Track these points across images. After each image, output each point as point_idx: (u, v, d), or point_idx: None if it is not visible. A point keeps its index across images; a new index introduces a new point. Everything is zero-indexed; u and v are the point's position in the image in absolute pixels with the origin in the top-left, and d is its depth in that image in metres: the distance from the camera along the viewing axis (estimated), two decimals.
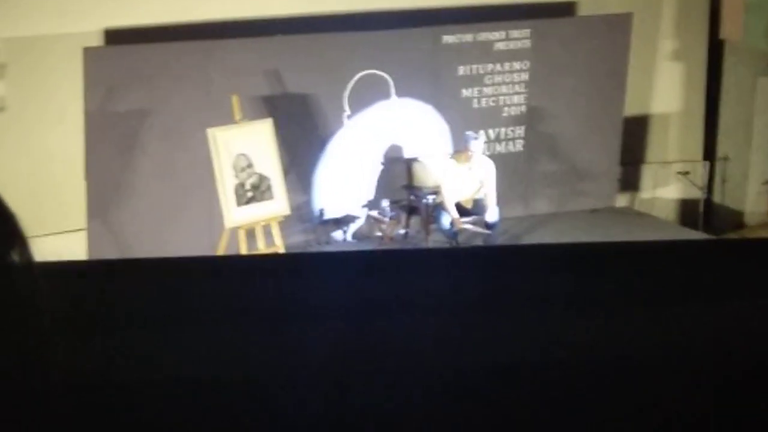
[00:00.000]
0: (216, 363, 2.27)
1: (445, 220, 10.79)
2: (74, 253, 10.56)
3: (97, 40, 10.73)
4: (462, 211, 10.91)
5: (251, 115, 10.54)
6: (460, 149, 11.02)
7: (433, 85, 11.83)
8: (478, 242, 11.05)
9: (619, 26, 12.38)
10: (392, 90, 11.63)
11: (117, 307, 2.41)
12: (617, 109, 12.61)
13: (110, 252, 10.57)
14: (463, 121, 11.85)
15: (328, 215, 11.63)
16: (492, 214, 10.81)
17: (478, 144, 10.87)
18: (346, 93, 11.47)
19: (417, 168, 11.67)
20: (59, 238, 10.76)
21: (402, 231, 11.49)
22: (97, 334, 2.25)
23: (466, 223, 10.87)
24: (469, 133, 11.00)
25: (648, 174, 13.39)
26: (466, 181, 10.85)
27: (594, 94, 12.44)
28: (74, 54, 10.22)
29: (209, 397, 2.18)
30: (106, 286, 2.49)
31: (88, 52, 10.26)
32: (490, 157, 11.19)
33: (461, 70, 11.91)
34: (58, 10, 10.65)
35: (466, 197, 10.92)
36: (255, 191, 10.27)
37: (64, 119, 10.68)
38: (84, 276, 2.62)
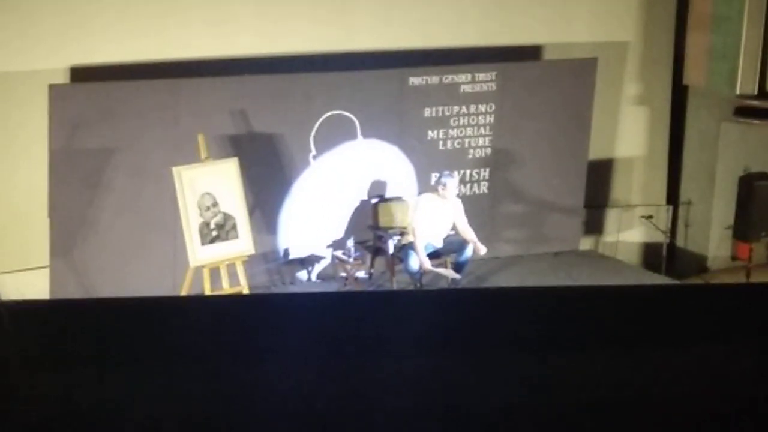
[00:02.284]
0: (179, 403, 2.26)
1: (413, 262, 10.75)
2: (37, 291, 10.49)
3: (63, 77, 10.71)
4: (432, 251, 10.91)
5: (217, 154, 10.53)
6: (434, 187, 11.04)
7: (399, 127, 11.85)
8: (443, 284, 11.05)
9: (584, 71, 12.46)
10: (358, 131, 11.66)
11: (79, 346, 2.39)
12: (581, 153, 12.67)
13: (73, 290, 10.50)
14: (428, 163, 11.88)
15: (292, 255, 11.61)
16: (479, 250, 10.74)
17: (453, 182, 10.91)
18: (312, 133, 11.48)
19: (382, 209, 11.68)
20: (22, 275, 10.69)
21: (367, 272, 11.47)
22: (58, 371, 2.23)
23: (435, 266, 10.85)
24: (446, 172, 11.08)
25: (612, 217, 13.45)
26: (438, 218, 10.86)
27: (559, 138, 12.50)
28: (40, 91, 10.19)
29: None
30: (69, 325, 2.47)
31: (54, 89, 10.22)
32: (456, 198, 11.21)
33: (427, 112, 11.94)
34: (25, 47, 10.62)
35: (437, 236, 10.92)
36: (220, 230, 10.25)
37: (29, 156, 10.63)
38: (47, 315, 2.61)
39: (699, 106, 13.30)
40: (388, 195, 11.80)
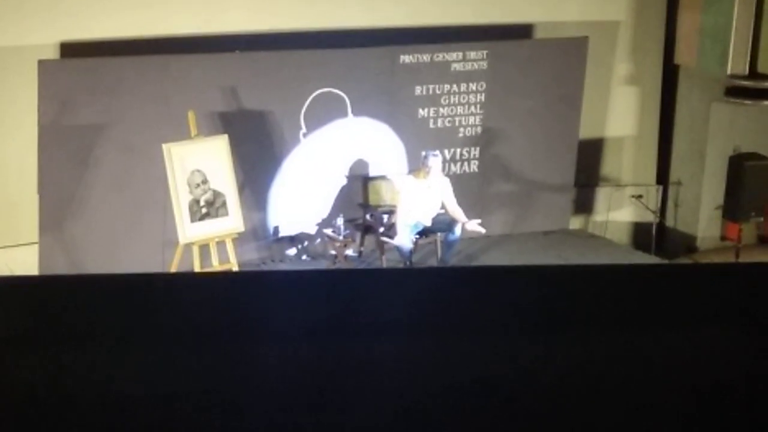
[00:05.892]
0: (167, 380, 2.26)
1: (404, 241, 10.73)
2: (26, 267, 10.48)
3: (52, 53, 10.67)
4: (421, 230, 10.93)
5: (207, 130, 10.51)
6: (418, 166, 11.02)
7: (390, 105, 11.84)
8: (433, 262, 11.08)
9: (574, 50, 12.45)
10: (349, 108, 11.64)
11: (68, 322, 2.39)
12: (572, 132, 12.68)
13: (62, 267, 10.49)
14: (419, 141, 11.87)
15: (282, 233, 11.60)
16: (473, 225, 10.73)
17: (437, 161, 10.87)
18: (303, 110, 11.46)
19: (373, 187, 11.68)
20: (11, 251, 10.68)
21: (356, 250, 11.47)
22: (47, 348, 2.23)
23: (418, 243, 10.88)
24: (431, 151, 11.04)
25: (602, 197, 13.46)
26: (424, 198, 10.85)
27: (549, 117, 12.50)
28: (29, 67, 10.15)
29: (160, 414, 2.17)
30: (58, 302, 2.47)
31: (43, 65, 10.19)
32: (445, 176, 11.20)
33: (418, 90, 11.93)
34: (14, 22, 10.58)
35: (425, 215, 10.91)
36: (209, 207, 10.24)
37: (19, 132, 10.60)
38: (35, 291, 2.60)
39: (690, 86, 13.30)
40: (378, 173, 11.80)
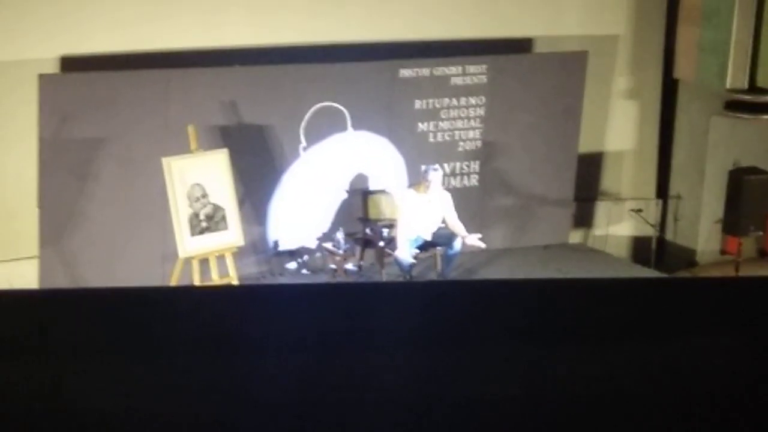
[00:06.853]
0: (167, 392, 2.26)
1: (404, 255, 10.73)
2: (26, 281, 10.48)
3: (53, 67, 10.68)
4: (421, 243, 10.94)
5: (207, 145, 10.52)
6: (418, 180, 11.03)
7: (390, 119, 11.85)
8: (432, 276, 11.07)
9: (574, 64, 12.46)
10: (349, 122, 11.65)
11: (68, 336, 2.39)
12: (572, 146, 12.68)
13: (62, 280, 10.49)
14: (418, 155, 11.87)
15: (282, 247, 11.59)
16: (473, 239, 10.76)
17: (437, 175, 10.89)
18: (303, 125, 11.47)
19: (372, 200, 11.68)
20: (11, 265, 10.68)
21: (356, 264, 11.47)
22: (47, 361, 2.23)
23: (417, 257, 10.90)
24: (431, 166, 11.04)
25: (601, 211, 13.46)
26: (425, 212, 10.86)
27: (549, 131, 12.51)
28: (30, 81, 10.17)
29: (161, 427, 2.17)
30: (58, 315, 2.47)
31: (44, 79, 10.21)
32: (445, 191, 11.21)
33: (418, 104, 11.94)
34: (15, 36, 10.60)
35: (426, 229, 10.91)
36: (209, 221, 10.24)
37: (19, 146, 10.61)
38: (35, 304, 2.60)
39: (689, 100, 13.31)
40: (377, 187, 11.80)
